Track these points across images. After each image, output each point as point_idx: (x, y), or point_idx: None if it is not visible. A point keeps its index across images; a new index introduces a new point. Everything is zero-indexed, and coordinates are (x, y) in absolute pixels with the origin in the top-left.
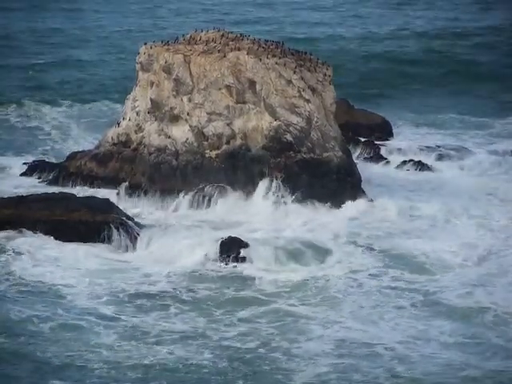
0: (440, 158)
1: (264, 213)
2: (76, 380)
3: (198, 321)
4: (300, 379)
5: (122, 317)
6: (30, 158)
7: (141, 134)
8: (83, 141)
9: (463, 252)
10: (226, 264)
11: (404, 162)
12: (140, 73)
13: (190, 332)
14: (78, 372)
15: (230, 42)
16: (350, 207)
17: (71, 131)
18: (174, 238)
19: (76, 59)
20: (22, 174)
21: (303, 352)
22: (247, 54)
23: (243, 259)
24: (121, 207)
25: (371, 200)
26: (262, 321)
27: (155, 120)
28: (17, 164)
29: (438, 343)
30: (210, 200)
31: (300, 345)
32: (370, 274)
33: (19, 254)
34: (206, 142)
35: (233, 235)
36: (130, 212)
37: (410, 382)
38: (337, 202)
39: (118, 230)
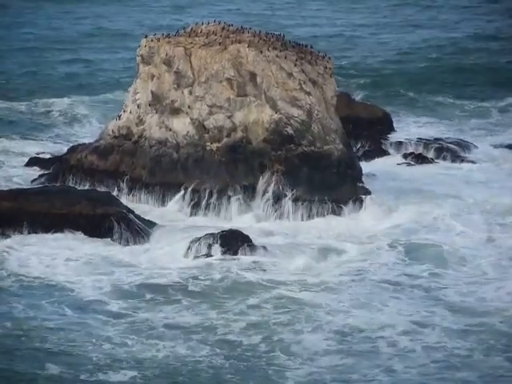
0: (441, 151)
1: (266, 210)
2: (71, 365)
3: (202, 314)
4: (294, 377)
5: (126, 310)
6: (40, 145)
7: (141, 127)
8: (90, 125)
9: (476, 246)
10: (229, 255)
11: (405, 156)
12: (141, 65)
13: (192, 324)
14: (74, 359)
15: (231, 35)
16: (354, 203)
17: (81, 119)
18: (176, 232)
19: (84, 55)
20: (25, 165)
21: (301, 348)
22: (248, 46)
23: (244, 251)
24: (121, 201)
25: (372, 194)
26: (269, 308)
27: (156, 113)
28: (24, 152)
29: (441, 330)
30: (211, 194)
31: (299, 338)
32: (378, 266)
33: (19, 249)
34: (206, 135)
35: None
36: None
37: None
38: (338, 196)
39: (119, 224)
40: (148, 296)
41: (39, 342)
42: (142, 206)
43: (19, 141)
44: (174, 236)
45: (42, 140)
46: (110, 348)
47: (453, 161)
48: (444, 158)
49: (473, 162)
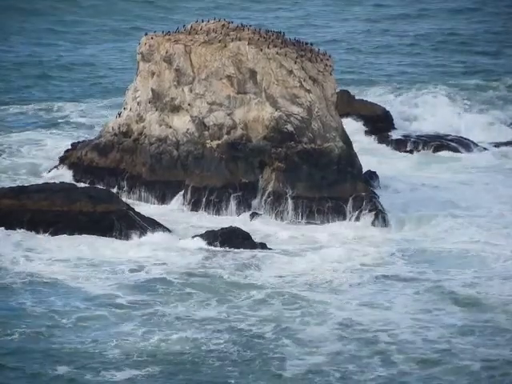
0: (441, 149)
1: (266, 208)
2: (80, 360)
3: (206, 308)
4: (293, 368)
5: (135, 305)
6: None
7: (142, 124)
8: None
9: (486, 247)
10: (229, 252)
11: (405, 153)
12: (141, 63)
13: (198, 317)
14: (84, 354)
15: (231, 32)
16: (354, 201)
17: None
18: (176, 230)
19: (95, 62)
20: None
21: (304, 339)
22: (248, 44)
23: (244, 248)
24: (122, 198)
25: (374, 192)
26: (273, 303)
27: (156, 110)
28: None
29: (443, 328)
30: (211, 192)
31: (303, 329)
32: (383, 266)
33: (21, 247)
34: (206, 132)
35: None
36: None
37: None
38: (338, 193)
39: (119, 221)
40: (151, 291)
41: (49, 338)
42: (142, 203)
43: (34, 133)
44: (174, 233)
45: (54, 139)
46: (120, 342)
47: (453, 160)
48: (445, 157)
49: (472, 160)
